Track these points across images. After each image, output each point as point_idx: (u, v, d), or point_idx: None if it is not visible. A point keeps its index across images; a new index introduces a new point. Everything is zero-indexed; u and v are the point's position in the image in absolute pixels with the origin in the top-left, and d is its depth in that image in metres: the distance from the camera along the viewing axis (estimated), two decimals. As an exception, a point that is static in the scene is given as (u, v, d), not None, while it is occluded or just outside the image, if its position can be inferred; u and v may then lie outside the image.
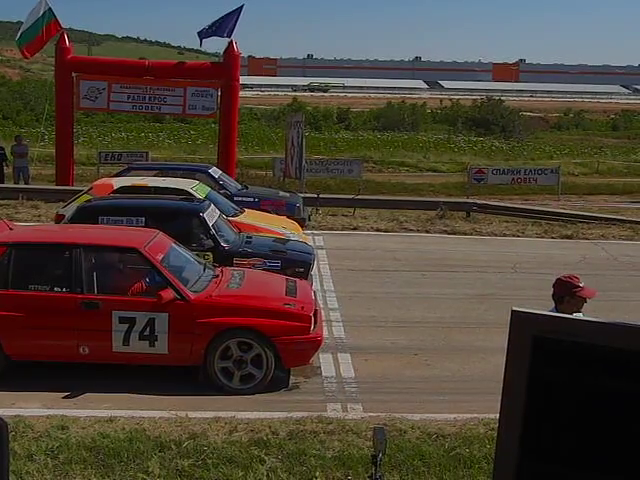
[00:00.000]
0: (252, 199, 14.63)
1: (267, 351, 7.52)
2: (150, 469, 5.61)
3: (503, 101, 46.46)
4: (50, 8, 19.23)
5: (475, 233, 15.62)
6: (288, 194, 16.16)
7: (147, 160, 22.81)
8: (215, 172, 15.52)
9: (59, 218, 11.74)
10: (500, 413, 1.17)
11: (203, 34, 19.59)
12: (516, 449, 1.15)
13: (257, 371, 7.56)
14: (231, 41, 19.23)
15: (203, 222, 10.13)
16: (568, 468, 1.14)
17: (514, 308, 1.16)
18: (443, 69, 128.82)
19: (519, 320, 1.15)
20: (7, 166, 20.99)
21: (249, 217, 12.49)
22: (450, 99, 61.38)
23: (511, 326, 1.16)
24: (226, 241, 10.20)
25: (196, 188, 12.50)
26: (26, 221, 14.52)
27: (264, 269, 9.63)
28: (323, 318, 8.80)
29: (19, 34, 19.53)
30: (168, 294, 7.49)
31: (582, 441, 1.12)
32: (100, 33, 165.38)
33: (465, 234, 15.50)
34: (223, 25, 19.33)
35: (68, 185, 18.70)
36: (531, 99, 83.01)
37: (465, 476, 5.67)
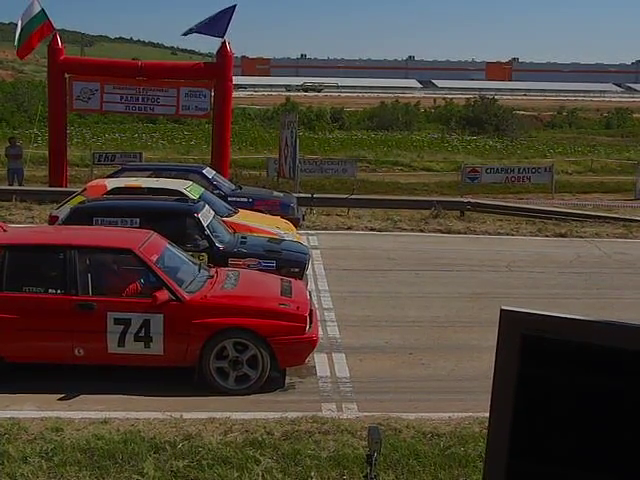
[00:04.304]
0: (246, 199, 14.63)
1: (262, 351, 7.52)
2: (145, 470, 5.61)
3: (496, 100, 46.37)
4: (43, 9, 19.19)
5: (469, 232, 15.65)
6: (282, 194, 16.17)
7: (141, 161, 22.73)
8: (209, 172, 15.51)
9: (53, 219, 11.71)
10: (490, 412, 1.17)
11: (193, 30, 19.60)
12: (506, 448, 1.16)
13: (252, 371, 7.56)
14: (224, 41, 19.20)
15: (198, 223, 10.13)
16: (558, 466, 1.14)
17: (503, 307, 1.17)
18: (436, 68, 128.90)
19: (508, 319, 1.16)
20: None
21: (243, 217, 12.49)
22: (444, 98, 61.39)
23: (500, 325, 1.16)
24: (221, 241, 10.21)
25: (190, 189, 12.50)
26: (20, 223, 14.49)
27: (259, 269, 9.63)
28: (318, 318, 8.80)
29: (17, 37, 19.41)
30: (163, 295, 7.49)
31: (572, 439, 1.13)
32: (93, 34, 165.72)
33: (459, 233, 15.52)
34: (215, 24, 19.30)
35: (62, 186, 18.64)
36: (524, 98, 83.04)
37: (460, 475, 5.68)
